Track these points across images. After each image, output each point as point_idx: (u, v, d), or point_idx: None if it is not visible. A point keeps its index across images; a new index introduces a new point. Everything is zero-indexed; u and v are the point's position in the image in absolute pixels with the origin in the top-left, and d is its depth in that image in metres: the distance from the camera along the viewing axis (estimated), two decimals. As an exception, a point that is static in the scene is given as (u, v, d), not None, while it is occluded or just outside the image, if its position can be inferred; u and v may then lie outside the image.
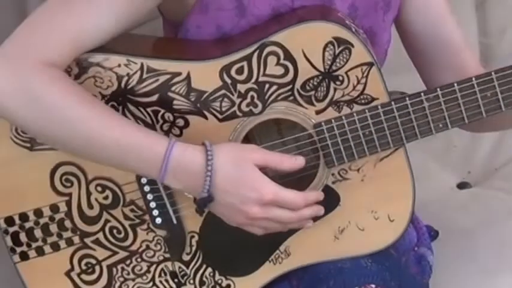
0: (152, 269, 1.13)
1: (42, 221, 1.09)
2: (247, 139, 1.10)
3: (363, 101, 1.07)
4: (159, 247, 1.12)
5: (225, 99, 1.05)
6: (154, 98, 1.05)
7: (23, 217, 1.09)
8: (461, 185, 1.67)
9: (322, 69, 1.05)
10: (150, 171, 1.00)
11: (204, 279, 1.13)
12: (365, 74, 1.06)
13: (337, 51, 1.04)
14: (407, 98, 1.07)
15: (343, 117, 1.07)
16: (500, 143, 1.71)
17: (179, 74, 1.04)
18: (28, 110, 0.98)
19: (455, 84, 1.07)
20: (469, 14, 1.74)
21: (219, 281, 1.13)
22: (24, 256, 1.11)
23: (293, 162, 1.03)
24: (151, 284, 1.13)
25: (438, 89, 1.07)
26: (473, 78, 1.07)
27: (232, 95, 1.05)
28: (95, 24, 1.01)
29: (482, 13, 1.75)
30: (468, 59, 1.22)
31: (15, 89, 0.98)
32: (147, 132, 1.01)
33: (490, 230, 1.42)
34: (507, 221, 1.44)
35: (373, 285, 1.07)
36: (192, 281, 1.13)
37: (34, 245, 1.10)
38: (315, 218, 1.09)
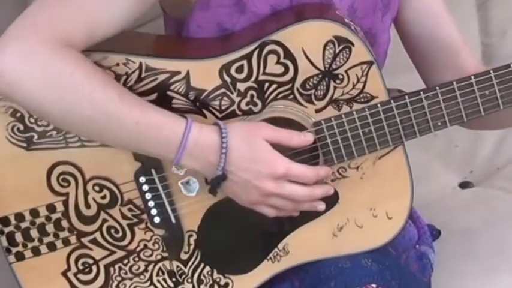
0: (150, 268, 1.17)
1: (38, 220, 1.13)
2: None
3: (362, 100, 1.11)
4: (157, 246, 1.16)
5: (225, 98, 1.09)
6: (153, 96, 1.08)
7: (19, 217, 1.13)
8: (463, 185, 1.71)
9: (322, 68, 1.09)
10: (167, 151, 1.04)
11: (202, 277, 1.17)
12: (365, 73, 1.10)
13: (337, 50, 1.08)
14: (406, 97, 1.11)
15: (343, 116, 1.11)
16: (502, 143, 1.76)
17: (178, 72, 1.07)
18: (49, 90, 0.99)
19: (454, 83, 1.11)
20: (470, 14, 1.77)
21: (217, 280, 1.18)
22: (19, 256, 1.14)
23: (302, 138, 1.08)
24: (149, 283, 1.17)
25: (437, 88, 1.12)
26: (472, 77, 1.11)
27: (232, 93, 1.09)
28: (108, 11, 1.03)
29: (484, 13, 1.78)
30: (468, 59, 1.26)
31: (35, 69, 0.98)
32: (166, 113, 1.05)
33: (491, 230, 1.46)
34: (509, 220, 1.49)
35: (374, 285, 1.11)
36: (190, 280, 1.17)
37: (30, 245, 1.14)
38: (314, 216, 1.15)
